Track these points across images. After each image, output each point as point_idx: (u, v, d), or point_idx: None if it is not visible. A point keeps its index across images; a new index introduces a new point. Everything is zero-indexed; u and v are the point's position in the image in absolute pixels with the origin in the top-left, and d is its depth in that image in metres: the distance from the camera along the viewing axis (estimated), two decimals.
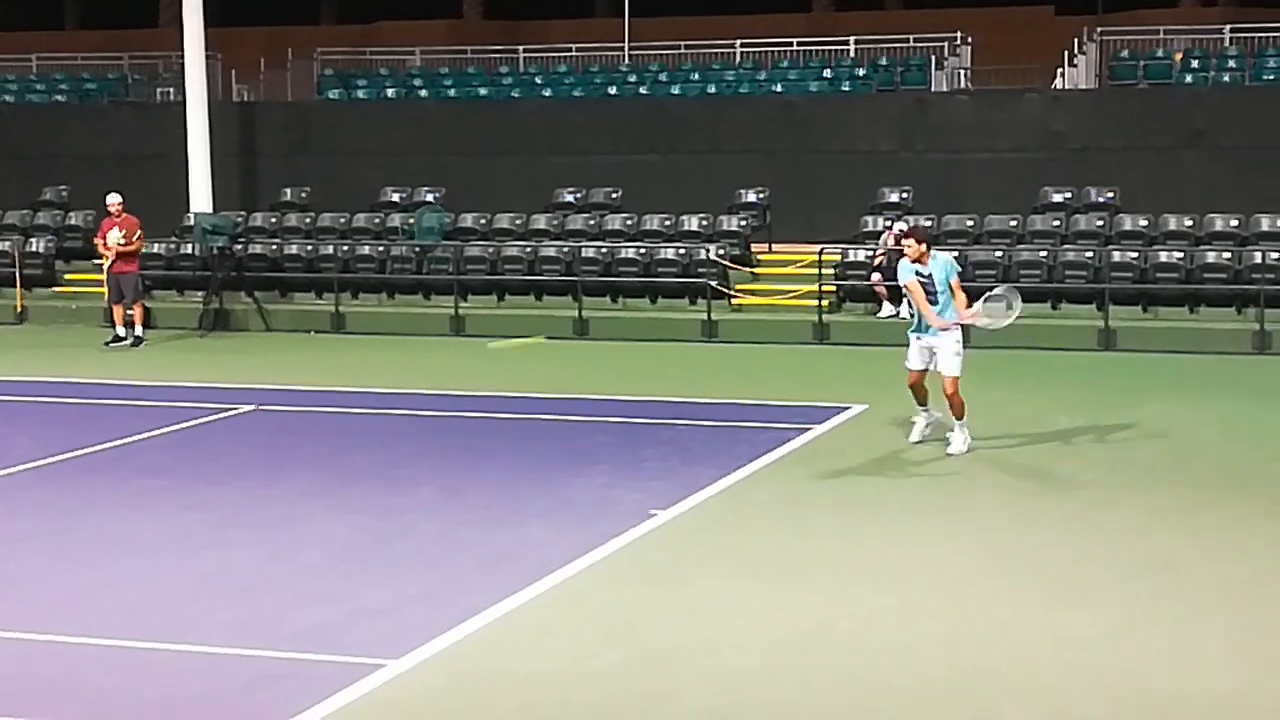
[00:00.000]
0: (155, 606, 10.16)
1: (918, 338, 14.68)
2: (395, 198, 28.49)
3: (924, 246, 14.62)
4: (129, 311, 23.50)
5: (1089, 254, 23.67)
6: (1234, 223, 24.08)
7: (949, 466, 14.18)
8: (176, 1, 28.59)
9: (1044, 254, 23.79)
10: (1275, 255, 22.86)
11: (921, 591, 10.36)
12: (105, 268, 23.66)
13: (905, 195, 26.15)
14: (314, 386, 19.41)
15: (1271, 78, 29.98)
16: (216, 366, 21.40)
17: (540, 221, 26.88)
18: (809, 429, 15.96)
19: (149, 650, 9.23)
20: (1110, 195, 25.49)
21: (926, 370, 14.71)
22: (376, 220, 27.64)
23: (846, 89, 31.43)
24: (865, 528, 12.06)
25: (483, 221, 27.10)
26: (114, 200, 23.67)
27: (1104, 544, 11.52)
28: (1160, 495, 13.06)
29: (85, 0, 53.70)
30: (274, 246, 27.05)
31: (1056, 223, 24.79)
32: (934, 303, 14.48)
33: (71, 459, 14.83)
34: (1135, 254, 23.53)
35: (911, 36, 33.69)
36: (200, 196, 27.80)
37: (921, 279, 14.48)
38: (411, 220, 26.84)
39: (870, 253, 24.23)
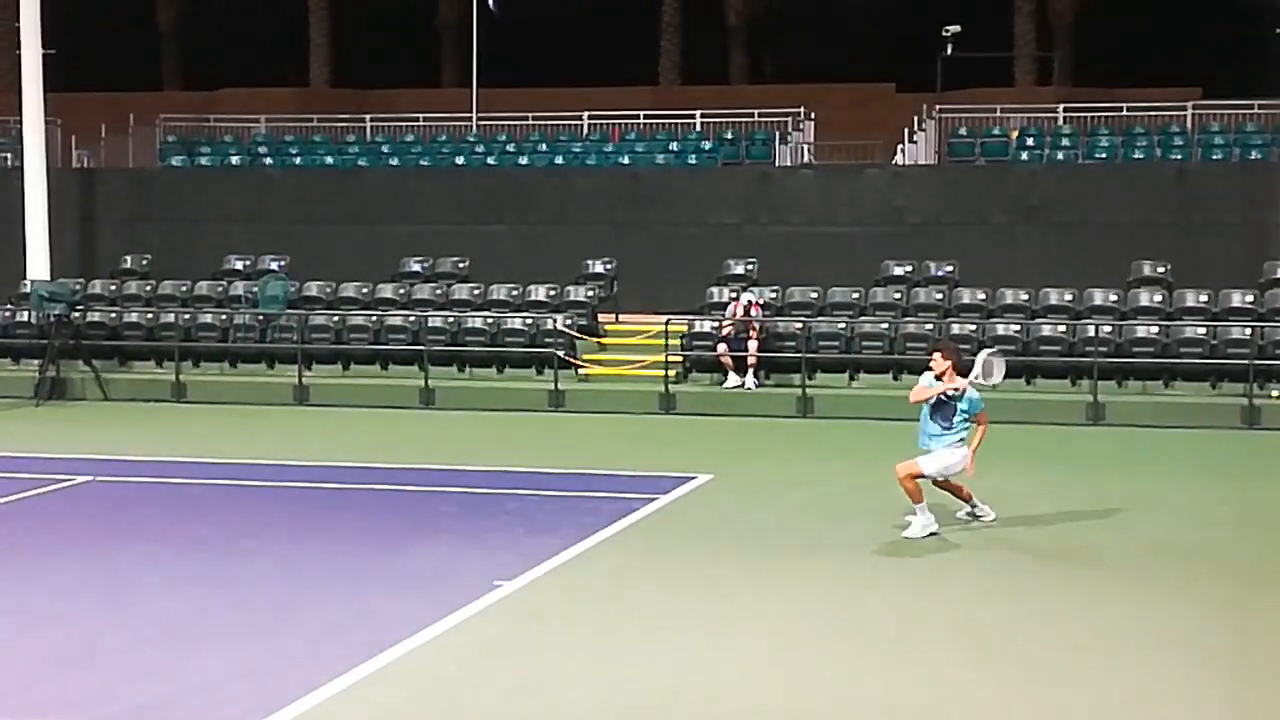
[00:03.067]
0: None
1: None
2: (239, 266, 28.20)
3: (947, 364, 14.13)
4: None
5: (929, 326, 24.09)
6: (1068, 296, 24.68)
7: (791, 534, 14.29)
8: (15, 66, 28.12)
9: (885, 326, 24.17)
10: (1108, 329, 23.46)
11: (764, 658, 10.40)
12: None
13: (750, 267, 26.47)
14: (153, 457, 19.06)
15: (1103, 156, 30.91)
16: (52, 436, 20.93)
17: (386, 290, 26.76)
18: (655, 499, 16.00)
19: None
20: (950, 269, 26.02)
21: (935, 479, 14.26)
22: (219, 288, 27.31)
23: (693, 162, 31.80)
24: (710, 597, 12.08)
25: (328, 290, 26.91)
26: None
27: (938, 611, 11.66)
28: (992, 565, 13.27)
29: None
30: (113, 314, 26.61)
31: (898, 295, 25.22)
32: (948, 427, 14.12)
33: None
34: (974, 326, 23.99)
35: (756, 111, 34.21)
36: (38, 263, 27.28)
37: (948, 397, 14.08)
38: (255, 288, 26.58)
39: (716, 324, 24.43)
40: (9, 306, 26.77)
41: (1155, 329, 23.60)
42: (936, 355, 14.32)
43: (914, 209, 28.44)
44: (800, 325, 24.27)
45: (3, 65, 45.65)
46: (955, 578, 12.73)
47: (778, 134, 32.87)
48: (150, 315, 26.56)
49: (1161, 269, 25.47)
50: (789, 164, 31.96)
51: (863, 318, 24.67)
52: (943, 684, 9.86)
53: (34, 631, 11.06)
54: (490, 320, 25.47)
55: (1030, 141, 31.91)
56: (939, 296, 25.15)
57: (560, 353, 24.31)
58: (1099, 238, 27.23)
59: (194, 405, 24.30)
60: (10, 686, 9.76)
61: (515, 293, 26.32)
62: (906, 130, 32.60)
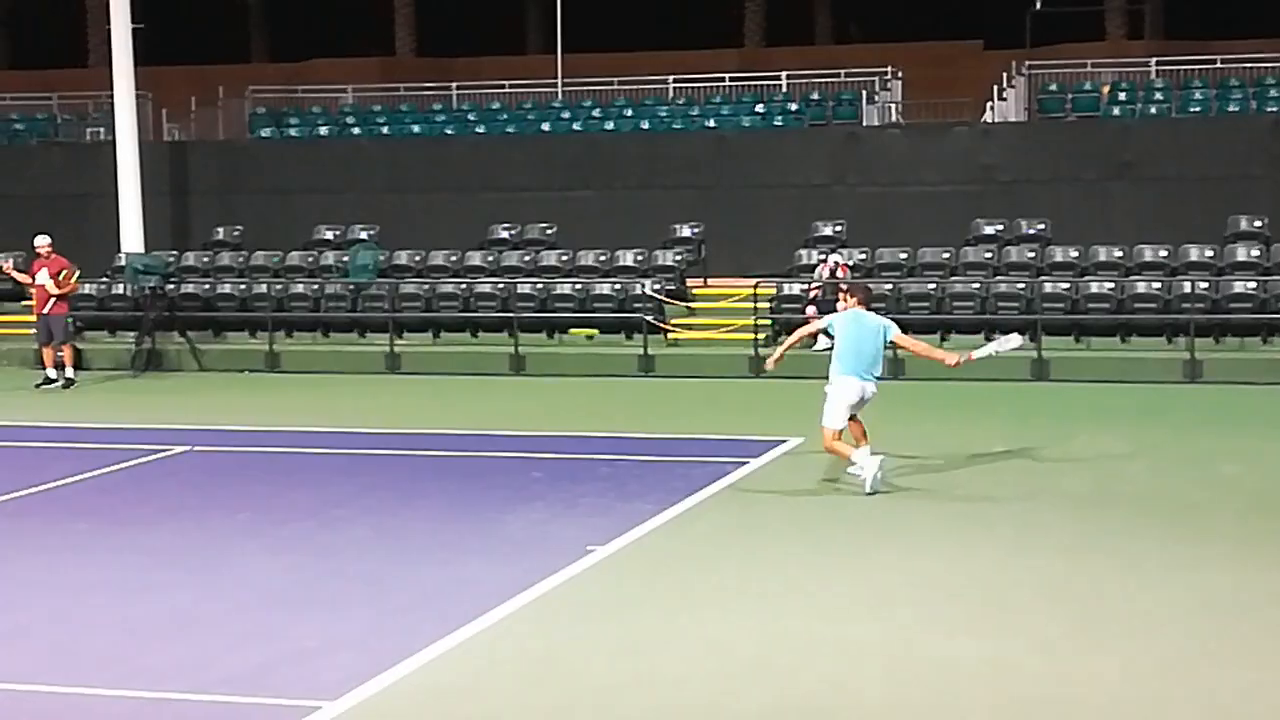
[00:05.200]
0: (80, 650, 10.00)
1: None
2: (329, 236, 28.40)
3: (852, 299, 15.10)
4: (59, 353, 23.27)
5: (1021, 285, 23.85)
6: (1163, 253, 24.34)
7: (882, 497, 14.20)
8: (106, 41, 28.39)
9: (976, 286, 23.96)
10: (1204, 285, 23.12)
11: (859, 622, 10.35)
12: (35, 310, 23.45)
13: (839, 229, 26.29)
14: (248, 426, 19.26)
15: (1197, 109, 30.39)
16: (149, 407, 21.20)
17: (475, 258, 26.84)
18: (746, 462, 15.97)
19: (73, 694, 9.09)
20: (1041, 227, 25.73)
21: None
22: (310, 258, 27.52)
23: (779, 123, 31.60)
24: (802, 560, 12.05)
25: (417, 259, 27.03)
26: (42, 241, 23.44)
27: (1035, 573, 11.55)
28: (1087, 524, 13.13)
29: (13, 40, 53.38)
30: (207, 286, 26.89)
31: (989, 254, 24.98)
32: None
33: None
34: (1067, 285, 23.74)
35: (842, 71, 33.93)
36: (132, 236, 27.60)
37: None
38: (346, 258, 26.75)
39: (805, 286, 24.31)
40: (104, 280, 27.11)
41: (1253, 284, 23.23)
42: (842, 294, 15.35)
43: (1004, 167, 28.11)
44: (890, 286, 24.10)
45: (93, 41, 46.20)
46: (1047, 539, 12.59)
47: (864, 94, 32.58)
48: (243, 286, 26.82)
49: (1259, 223, 25.04)
50: (876, 124, 31.69)
51: (953, 278, 24.46)
52: (1039, 649, 9.76)
53: (133, 600, 11.21)
54: (579, 286, 25.49)
55: (1122, 96, 31.43)
56: (1031, 255, 24.88)
57: (649, 317, 24.29)
58: (1194, 193, 26.79)
59: (288, 374, 24.53)
60: (111, 655, 9.91)
61: (603, 258, 26.33)
62: (995, 87, 32.21)
